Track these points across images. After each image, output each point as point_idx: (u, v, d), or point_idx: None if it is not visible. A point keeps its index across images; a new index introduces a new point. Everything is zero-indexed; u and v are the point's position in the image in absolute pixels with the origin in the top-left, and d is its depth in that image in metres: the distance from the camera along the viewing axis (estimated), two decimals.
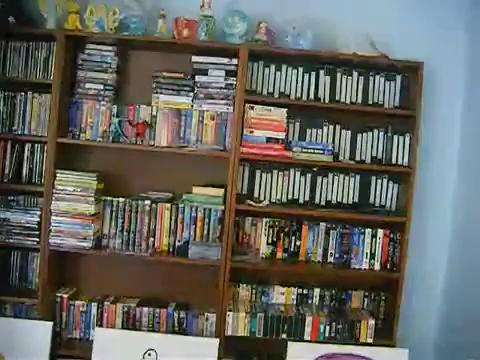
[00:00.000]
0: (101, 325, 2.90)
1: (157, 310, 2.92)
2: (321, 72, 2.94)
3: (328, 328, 2.87)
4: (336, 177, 3.00)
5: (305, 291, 3.02)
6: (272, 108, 2.87)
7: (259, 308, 2.93)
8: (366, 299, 3.05)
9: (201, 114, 2.89)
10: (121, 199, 2.89)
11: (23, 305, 2.89)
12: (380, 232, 2.93)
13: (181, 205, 2.90)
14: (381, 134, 2.98)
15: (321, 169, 2.97)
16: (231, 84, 2.87)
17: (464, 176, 3.05)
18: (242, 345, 2.91)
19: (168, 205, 2.89)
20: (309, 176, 2.99)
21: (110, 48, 2.88)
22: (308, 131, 2.98)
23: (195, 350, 2.62)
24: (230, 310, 2.86)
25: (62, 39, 2.73)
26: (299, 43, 2.86)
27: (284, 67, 2.94)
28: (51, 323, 2.71)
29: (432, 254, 3.13)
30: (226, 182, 2.81)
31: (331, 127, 2.98)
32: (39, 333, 2.66)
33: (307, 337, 2.86)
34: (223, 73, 2.88)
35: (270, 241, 2.98)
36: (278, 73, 2.94)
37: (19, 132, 2.87)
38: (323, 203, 3.00)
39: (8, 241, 2.82)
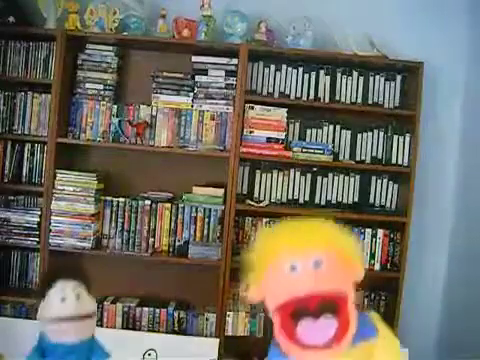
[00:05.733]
0: (101, 325, 2.90)
1: (157, 310, 2.92)
2: (321, 72, 2.94)
3: None
4: (336, 177, 3.00)
5: None
6: (272, 108, 2.87)
7: (259, 308, 2.92)
8: (366, 299, 3.05)
9: (201, 114, 2.89)
10: (121, 199, 2.89)
11: (23, 305, 2.88)
12: (380, 232, 2.93)
13: (181, 205, 2.90)
14: (381, 134, 2.98)
15: (321, 169, 2.97)
16: (231, 84, 2.87)
17: (464, 176, 3.05)
18: (242, 345, 2.91)
19: (168, 205, 2.90)
20: (309, 176, 2.99)
21: (110, 48, 2.88)
22: (308, 131, 2.98)
23: (195, 350, 2.62)
24: (230, 310, 2.86)
25: (62, 39, 2.73)
26: (299, 43, 2.86)
27: (284, 67, 2.94)
28: None
29: (432, 254, 3.13)
30: (226, 182, 2.81)
31: (331, 127, 2.98)
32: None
33: None
34: (223, 73, 2.88)
35: None
36: (278, 73, 2.94)
37: (19, 132, 2.87)
38: (323, 203, 3.00)
39: (8, 241, 2.82)
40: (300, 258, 1.45)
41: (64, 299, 1.74)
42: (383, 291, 3.05)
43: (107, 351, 1.84)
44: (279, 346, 1.50)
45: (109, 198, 2.89)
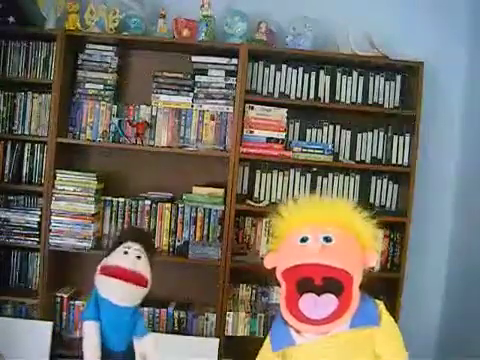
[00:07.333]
0: None
1: (157, 310, 2.92)
2: (321, 72, 2.94)
3: None
4: (336, 177, 3.00)
5: None
6: (272, 108, 2.87)
7: (259, 308, 2.92)
8: None
9: (201, 114, 2.89)
10: (121, 199, 2.89)
11: (23, 305, 2.88)
12: (380, 232, 2.93)
13: (181, 205, 2.90)
14: (381, 134, 2.98)
15: (321, 169, 2.97)
16: (231, 84, 2.87)
17: (464, 176, 3.05)
18: (242, 345, 2.91)
19: (168, 205, 2.90)
20: (309, 176, 2.99)
21: (110, 48, 2.88)
22: (308, 131, 2.98)
23: (195, 350, 2.62)
24: (230, 310, 2.86)
25: (62, 39, 2.73)
26: (299, 43, 2.86)
27: (284, 67, 2.94)
28: (51, 323, 2.71)
29: (432, 254, 3.13)
30: (226, 182, 2.81)
31: (331, 127, 2.98)
32: (39, 333, 2.66)
33: None
34: (223, 73, 2.88)
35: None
36: (278, 73, 2.94)
37: (19, 132, 2.87)
38: None
39: (8, 241, 2.82)
40: (311, 231, 1.52)
41: (127, 253, 1.92)
42: (383, 291, 3.04)
43: (147, 329, 2.00)
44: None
45: (109, 198, 2.89)
